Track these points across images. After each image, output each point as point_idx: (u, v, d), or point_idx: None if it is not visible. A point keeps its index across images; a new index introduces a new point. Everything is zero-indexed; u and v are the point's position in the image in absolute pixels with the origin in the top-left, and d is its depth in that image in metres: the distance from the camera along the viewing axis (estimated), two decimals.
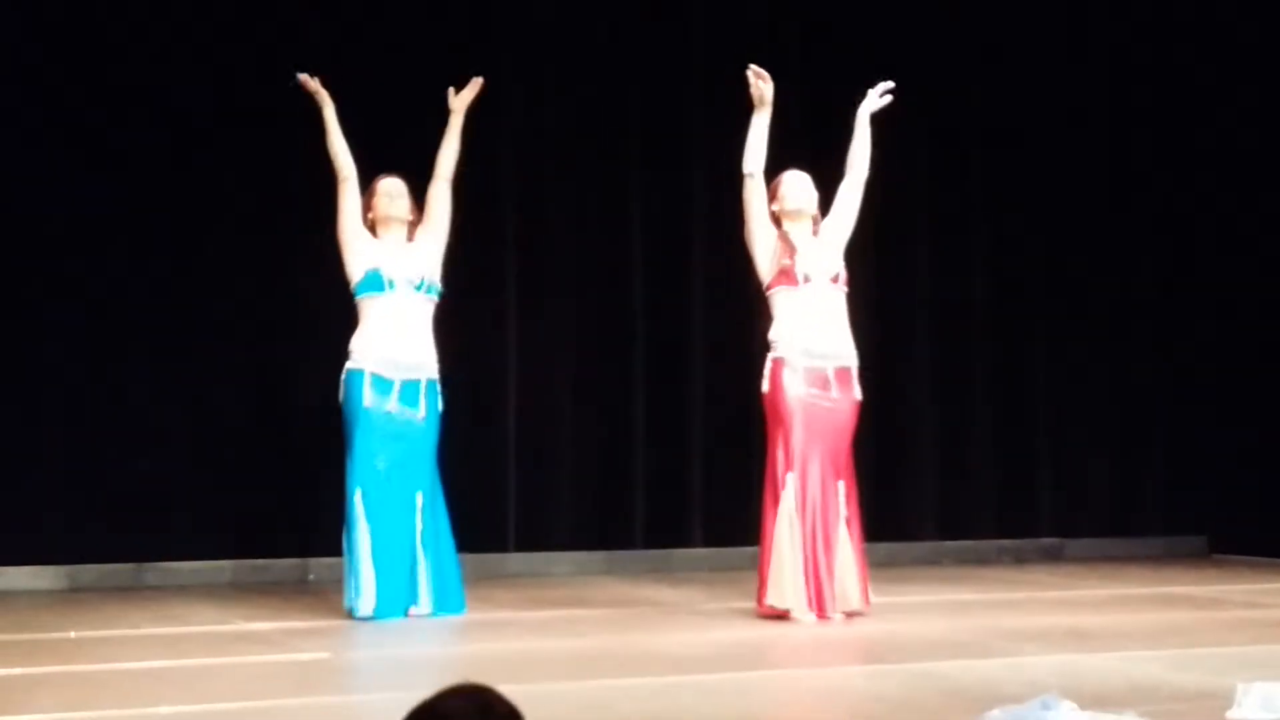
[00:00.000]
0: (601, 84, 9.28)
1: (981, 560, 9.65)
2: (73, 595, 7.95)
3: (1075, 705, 4.29)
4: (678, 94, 9.38)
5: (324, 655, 6.01)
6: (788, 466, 6.80)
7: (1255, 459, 9.86)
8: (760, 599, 6.86)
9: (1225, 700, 4.55)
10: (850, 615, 6.86)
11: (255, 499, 8.50)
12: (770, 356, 6.98)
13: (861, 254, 9.21)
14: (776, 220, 7.11)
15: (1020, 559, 9.76)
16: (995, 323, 10.00)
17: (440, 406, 7.11)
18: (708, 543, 9.37)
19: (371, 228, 7.15)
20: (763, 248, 7.06)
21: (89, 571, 8.23)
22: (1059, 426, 10.08)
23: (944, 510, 9.79)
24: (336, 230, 7.13)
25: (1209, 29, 10.10)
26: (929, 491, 9.74)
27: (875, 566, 8.76)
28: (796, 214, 7.09)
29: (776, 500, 6.81)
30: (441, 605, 7.01)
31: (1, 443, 8.12)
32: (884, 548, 9.34)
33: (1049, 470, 10.06)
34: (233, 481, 8.48)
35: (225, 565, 8.45)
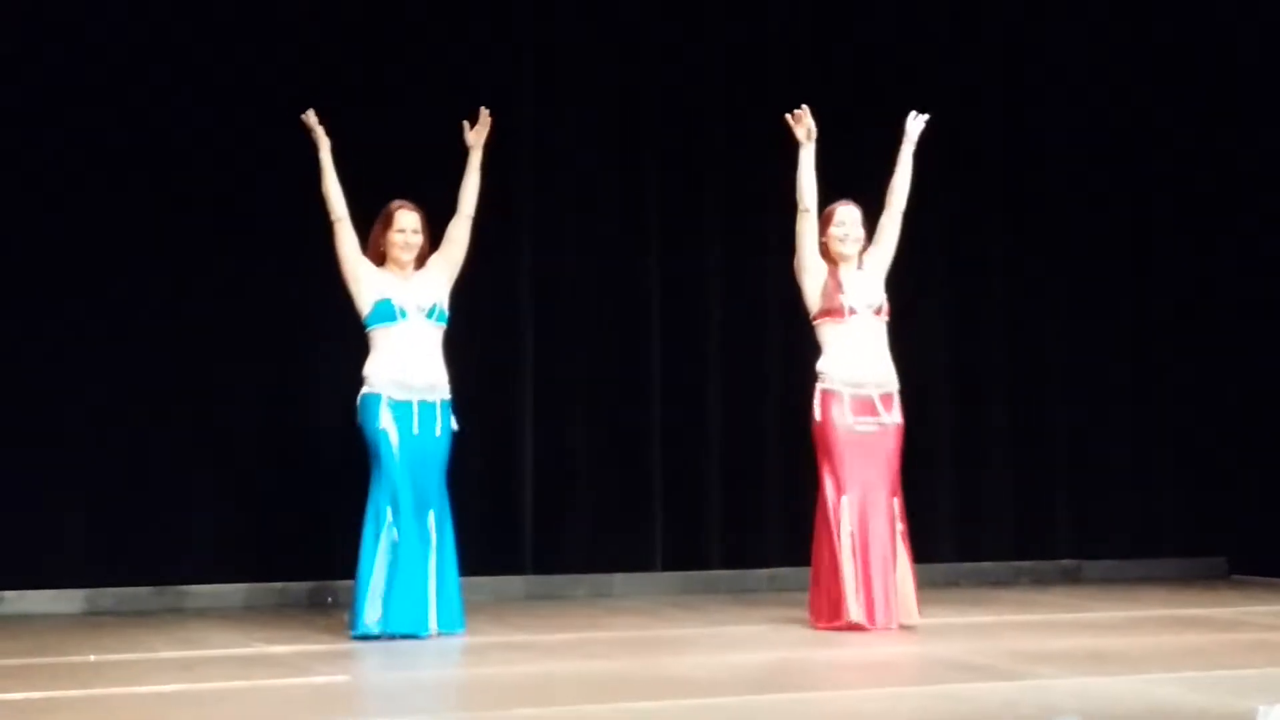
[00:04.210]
0: (622, 99, 9.29)
1: (1000, 582, 9.62)
2: (92, 619, 7.96)
3: None
4: (698, 113, 9.38)
5: (343, 678, 6.02)
6: (840, 491, 7.19)
7: (1275, 480, 9.83)
8: (825, 615, 7.15)
9: None
10: (904, 628, 7.15)
11: (274, 522, 8.49)
12: (819, 387, 7.34)
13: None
14: (825, 249, 7.40)
15: (1039, 581, 9.73)
16: (1013, 344, 9.97)
17: (454, 425, 7.21)
18: (726, 565, 9.36)
19: (379, 255, 7.22)
20: (813, 281, 7.39)
21: (108, 595, 8.24)
22: (1077, 448, 10.04)
23: (962, 532, 9.76)
24: (340, 271, 7.22)
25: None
26: (947, 513, 9.70)
27: None
28: (846, 250, 7.41)
29: (834, 524, 7.16)
30: (445, 623, 7.05)
31: (21, 467, 8.14)
32: None
33: (1067, 492, 10.03)
34: (252, 504, 8.48)
35: (244, 588, 8.44)
